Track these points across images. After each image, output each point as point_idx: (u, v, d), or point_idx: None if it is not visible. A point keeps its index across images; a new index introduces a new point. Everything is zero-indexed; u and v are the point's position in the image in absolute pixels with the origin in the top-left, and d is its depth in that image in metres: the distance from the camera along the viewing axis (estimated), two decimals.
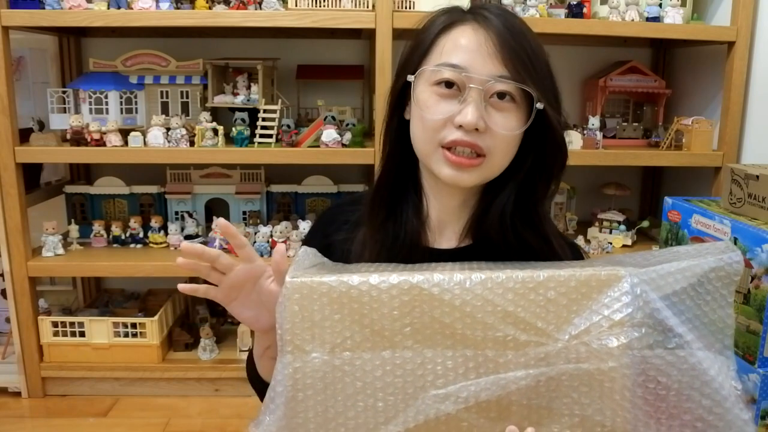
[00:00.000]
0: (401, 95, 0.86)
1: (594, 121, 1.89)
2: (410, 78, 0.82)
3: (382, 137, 0.90)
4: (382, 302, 0.67)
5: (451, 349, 0.67)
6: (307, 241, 0.99)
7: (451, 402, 0.66)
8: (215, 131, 1.78)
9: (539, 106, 0.79)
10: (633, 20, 1.78)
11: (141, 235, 1.95)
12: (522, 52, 0.78)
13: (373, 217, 0.88)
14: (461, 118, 0.77)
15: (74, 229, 1.92)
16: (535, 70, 0.79)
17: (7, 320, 1.85)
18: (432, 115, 0.80)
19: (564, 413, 0.66)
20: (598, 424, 0.65)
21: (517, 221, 0.84)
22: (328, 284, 0.67)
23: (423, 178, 0.89)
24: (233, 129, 1.79)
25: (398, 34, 1.69)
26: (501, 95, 0.79)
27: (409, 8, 1.74)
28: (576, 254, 0.90)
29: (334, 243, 0.91)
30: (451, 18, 0.82)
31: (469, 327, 0.66)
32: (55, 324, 1.83)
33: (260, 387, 0.84)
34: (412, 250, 0.85)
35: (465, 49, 0.79)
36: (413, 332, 0.67)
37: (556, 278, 0.67)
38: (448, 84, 0.79)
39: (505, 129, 0.79)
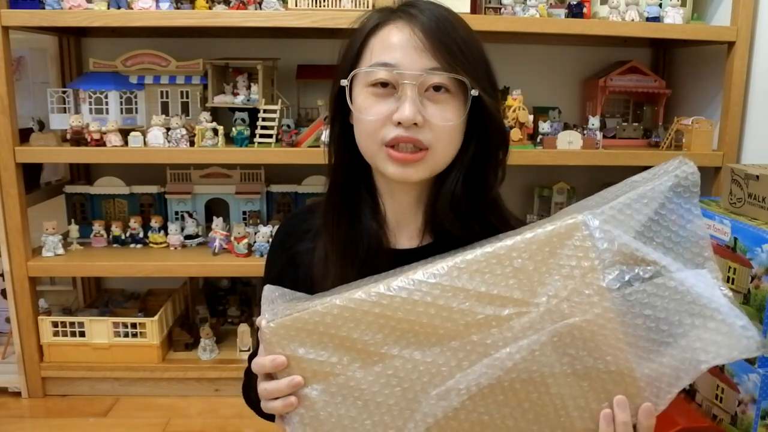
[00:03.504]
0: (342, 101, 0.86)
1: (594, 121, 1.89)
2: (344, 83, 0.83)
3: (328, 145, 0.91)
4: (357, 321, 0.67)
5: (437, 346, 0.66)
6: (270, 257, 0.99)
7: (453, 396, 0.66)
8: (215, 131, 1.77)
9: (474, 93, 0.80)
10: (633, 20, 1.78)
11: (141, 235, 1.95)
12: (451, 42, 0.79)
13: (330, 228, 0.88)
14: (399, 115, 0.78)
15: (74, 229, 1.92)
16: (467, 58, 0.80)
17: (7, 320, 1.85)
18: (370, 115, 0.80)
19: (567, 372, 0.66)
20: (602, 371, 0.65)
21: (470, 210, 0.85)
22: (302, 318, 0.67)
23: (376, 179, 0.90)
24: (233, 129, 1.79)
25: None
26: (436, 88, 0.80)
27: None
28: None
29: (298, 254, 0.91)
30: (379, 18, 0.83)
31: (448, 320, 0.66)
32: (55, 324, 1.83)
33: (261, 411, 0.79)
34: (375, 253, 0.85)
35: (395, 47, 0.80)
36: (396, 340, 0.67)
37: (517, 246, 0.66)
38: (383, 83, 0.80)
39: (443, 120, 0.80)
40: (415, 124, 0.78)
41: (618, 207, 0.66)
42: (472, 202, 0.85)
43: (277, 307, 0.72)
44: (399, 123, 0.79)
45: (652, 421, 0.67)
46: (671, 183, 0.67)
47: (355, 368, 0.67)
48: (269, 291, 0.76)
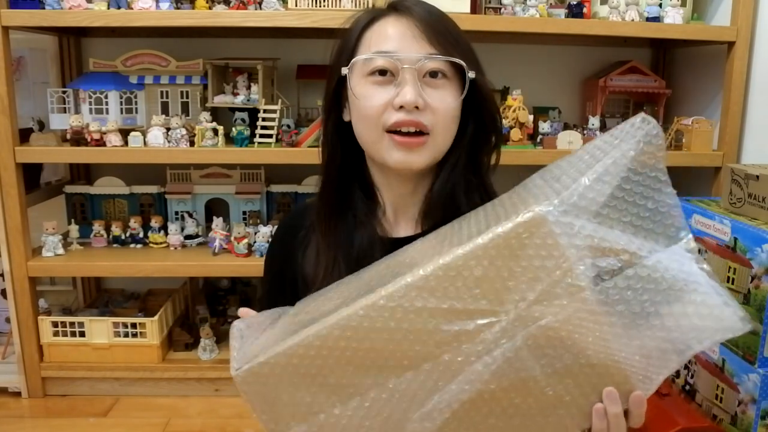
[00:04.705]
0: (336, 97, 0.88)
1: (594, 121, 1.89)
2: (344, 71, 0.84)
3: (321, 142, 0.92)
4: (324, 357, 0.64)
5: (410, 370, 0.64)
6: (269, 255, 1.01)
7: (436, 415, 0.64)
8: (215, 131, 1.77)
9: (471, 75, 0.83)
10: (633, 20, 1.78)
11: (141, 235, 1.95)
12: (445, 31, 0.83)
13: (323, 223, 0.90)
14: (401, 99, 0.80)
15: (74, 229, 1.92)
16: (460, 45, 0.83)
17: (7, 320, 1.85)
18: (371, 102, 0.82)
19: (548, 372, 0.63)
20: (584, 366, 0.63)
21: (470, 195, 0.87)
22: (269, 363, 0.65)
23: (372, 172, 0.91)
24: (233, 129, 1.79)
25: None
26: (433, 74, 0.82)
27: None
28: None
29: (295, 250, 0.93)
30: (371, 15, 0.86)
31: (416, 342, 0.63)
32: (55, 324, 1.83)
33: None
34: (369, 246, 0.87)
35: (392, 37, 0.82)
36: (367, 371, 0.64)
37: (474, 252, 0.61)
38: (382, 72, 0.82)
39: (443, 102, 0.82)
40: (417, 107, 0.80)
41: (579, 191, 0.61)
42: (472, 187, 0.87)
43: (245, 345, 0.70)
44: (401, 107, 0.80)
45: (643, 408, 0.66)
46: (634, 152, 0.62)
47: (332, 403, 0.65)
48: (236, 328, 0.75)
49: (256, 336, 0.72)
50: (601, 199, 0.61)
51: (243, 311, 0.81)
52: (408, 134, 0.81)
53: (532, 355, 0.62)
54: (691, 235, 0.64)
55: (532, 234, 0.60)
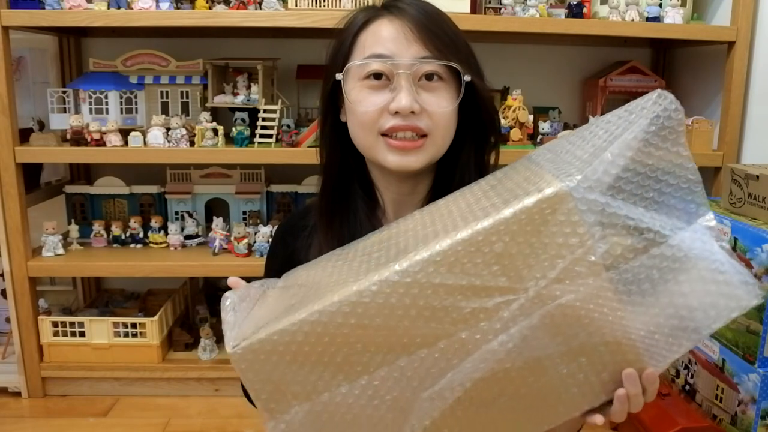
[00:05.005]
0: (332, 98, 0.88)
1: None
2: (339, 76, 0.84)
3: (319, 143, 0.92)
4: (332, 335, 0.60)
5: (424, 348, 0.61)
6: (270, 256, 1.01)
7: (448, 394, 0.62)
8: (215, 131, 1.78)
9: (467, 78, 0.82)
10: (633, 20, 1.78)
11: (141, 235, 1.95)
12: (441, 32, 0.82)
13: (324, 225, 0.90)
14: (396, 105, 0.79)
15: (74, 229, 1.92)
16: (456, 47, 0.83)
17: (7, 320, 1.85)
18: (366, 107, 0.81)
19: (563, 351, 0.61)
20: (599, 344, 0.62)
21: None
22: (271, 340, 0.60)
23: (371, 172, 0.91)
24: (233, 129, 1.79)
25: None
26: (429, 76, 0.81)
27: None
28: None
29: (296, 252, 0.93)
30: (367, 15, 0.85)
31: (432, 319, 0.60)
32: (55, 324, 1.83)
33: None
34: None
35: (386, 40, 0.81)
36: (378, 348, 0.61)
37: (496, 227, 0.58)
38: (377, 76, 0.81)
39: (439, 107, 0.82)
40: (413, 112, 0.80)
41: (603, 168, 0.59)
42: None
43: (240, 319, 0.66)
44: (396, 113, 0.80)
45: (656, 384, 0.66)
46: (656, 127, 0.60)
47: (338, 382, 0.62)
48: (228, 300, 0.71)
49: (249, 308, 0.69)
50: (624, 175, 0.59)
51: (233, 281, 0.79)
52: (404, 138, 0.81)
53: (548, 333, 0.61)
54: (711, 213, 0.63)
55: (555, 210, 0.58)
